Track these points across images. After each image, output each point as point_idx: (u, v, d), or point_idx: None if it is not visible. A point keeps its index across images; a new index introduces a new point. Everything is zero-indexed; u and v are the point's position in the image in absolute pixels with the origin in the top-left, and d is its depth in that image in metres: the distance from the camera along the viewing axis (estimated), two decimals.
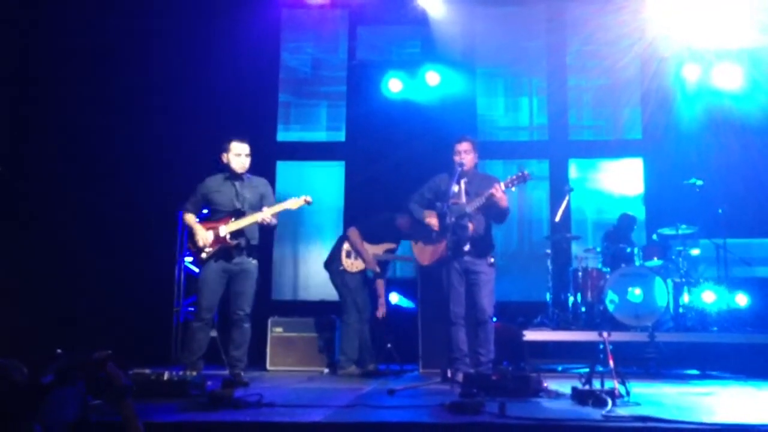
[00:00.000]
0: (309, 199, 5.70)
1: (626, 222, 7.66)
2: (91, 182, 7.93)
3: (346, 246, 6.80)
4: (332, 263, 6.85)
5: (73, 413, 2.84)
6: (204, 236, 5.58)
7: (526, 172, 5.53)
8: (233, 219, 5.59)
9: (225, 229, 5.57)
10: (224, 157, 5.71)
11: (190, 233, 5.73)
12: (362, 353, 6.67)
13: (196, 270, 6.44)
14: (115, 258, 7.71)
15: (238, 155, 5.67)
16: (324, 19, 9.27)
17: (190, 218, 5.73)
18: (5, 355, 2.69)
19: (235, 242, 5.58)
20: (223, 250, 5.60)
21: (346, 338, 6.68)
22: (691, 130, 8.27)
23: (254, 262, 5.73)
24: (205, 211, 5.92)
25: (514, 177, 5.52)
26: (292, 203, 5.67)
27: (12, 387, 2.45)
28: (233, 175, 5.70)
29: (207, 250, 5.58)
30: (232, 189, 5.68)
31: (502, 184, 5.51)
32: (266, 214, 5.56)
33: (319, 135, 9.36)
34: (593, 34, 8.45)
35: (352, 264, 6.74)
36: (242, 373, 5.67)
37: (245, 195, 5.68)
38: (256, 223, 5.59)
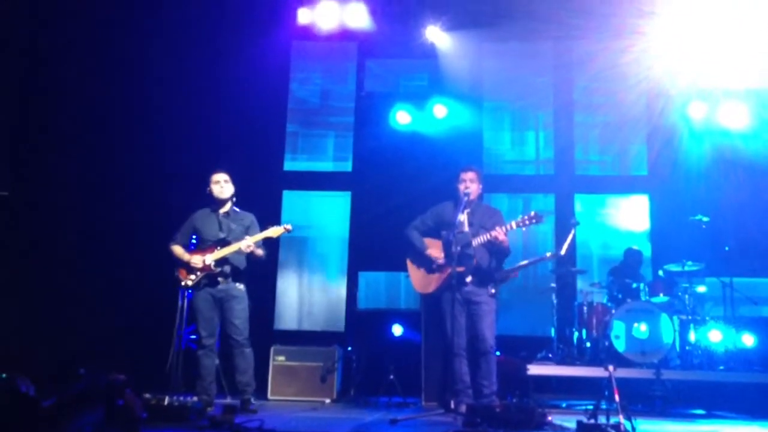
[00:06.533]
0: (289, 227, 5.91)
1: (633, 257, 7.63)
2: (97, 209, 7.96)
3: None
4: None
5: None
6: (195, 260, 5.80)
7: (540, 213, 5.53)
8: (218, 248, 5.82)
9: (210, 258, 5.79)
10: (209, 191, 6.00)
11: (179, 262, 5.91)
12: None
13: None
14: (118, 283, 7.71)
15: (217, 182, 5.96)
16: (333, 51, 9.38)
17: (177, 249, 5.98)
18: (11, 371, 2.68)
19: (218, 269, 5.80)
20: (208, 278, 5.82)
21: None
22: (698, 167, 8.28)
23: (241, 287, 5.91)
24: (194, 240, 6.13)
25: (527, 217, 5.51)
26: (273, 231, 5.87)
27: (21, 399, 2.42)
28: (219, 208, 5.97)
29: (192, 277, 5.80)
30: (216, 221, 5.95)
31: (513, 223, 5.52)
32: (248, 242, 5.76)
33: (326, 165, 9.40)
34: (600, 72, 8.49)
35: None
36: (251, 399, 5.77)
37: (230, 226, 5.92)
38: (239, 251, 5.78)
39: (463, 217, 5.60)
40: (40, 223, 7.83)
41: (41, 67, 8.10)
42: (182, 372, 7.27)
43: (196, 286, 5.82)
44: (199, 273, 5.80)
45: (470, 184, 5.68)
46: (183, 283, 5.86)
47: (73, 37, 8.05)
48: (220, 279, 5.81)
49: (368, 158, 8.96)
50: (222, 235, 5.86)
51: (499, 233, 5.45)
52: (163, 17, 8.24)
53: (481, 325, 5.55)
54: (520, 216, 5.57)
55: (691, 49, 7.98)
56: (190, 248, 6.03)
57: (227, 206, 5.99)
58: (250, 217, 6.07)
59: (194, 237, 6.10)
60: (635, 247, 7.78)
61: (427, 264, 5.84)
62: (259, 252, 5.87)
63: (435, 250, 5.78)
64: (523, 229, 5.55)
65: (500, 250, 5.66)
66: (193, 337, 7.29)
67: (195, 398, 5.23)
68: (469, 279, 5.57)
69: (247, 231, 5.93)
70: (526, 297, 8.54)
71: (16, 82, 7.93)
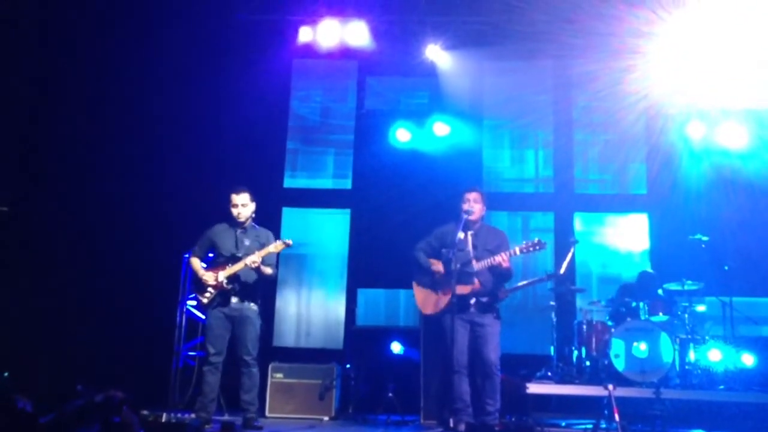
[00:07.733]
0: (289, 242, 5.91)
1: (647, 279, 7.56)
2: (97, 226, 7.97)
3: None
4: None
5: None
6: (207, 276, 5.84)
7: (543, 241, 5.56)
8: (230, 265, 5.84)
9: (222, 275, 5.82)
10: (230, 207, 6.01)
11: (195, 277, 5.98)
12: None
13: (200, 315, 6.60)
14: (118, 300, 7.71)
15: (235, 206, 5.98)
16: (334, 69, 9.42)
17: (195, 262, 6.03)
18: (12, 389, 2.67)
19: (229, 286, 5.82)
20: (221, 295, 5.85)
21: None
22: (697, 187, 8.30)
23: (254, 308, 5.92)
24: (210, 255, 6.14)
25: (530, 244, 5.55)
26: (275, 247, 5.87)
27: (18, 415, 2.41)
28: (236, 224, 5.99)
29: (206, 294, 5.83)
30: (233, 236, 5.97)
31: (517, 249, 5.55)
32: (254, 257, 5.76)
33: (326, 182, 9.42)
34: (600, 91, 8.51)
35: None
36: (256, 416, 5.79)
37: (245, 243, 5.93)
38: (246, 268, 5.78)
39: (462, 235, 5.60)
40: (40, 240, 7.84)
41: (46, 77, 8.16)
42: (180, 389, 7.25)
43: (210, 304, 5.85)
44: (212, 290, 5.83)
45: (474, 205, 5.70)
46: (199, 301, 5.93)
47: (76, 49, 8.11)
48: (232, 298, 5.84)
49: (368, 176, 8.98)
50: (235, 252, 5.89)
51: (503, 260, 5.49)
52: (165, 35, 8.29)
53: (487, 348, 5.53)
54: (524, 242, 5.60)
55: (690, 70, 8.02)
56: (206, 262, 6.06)
57: (246, 222, 6.02)
58: (266, 234, 6.08)
59: (211, 252, 6.12)
60: (650, 271, 7.76)
61: (432, 285, 5.83)
62: (268, 270, 5.88)
63: (438, 267, 5.79)
64: (526, 254, 5.59)
65: (503, 274, 5.69)
66: (192, 353, 7.30)
67: (193, 415, 5.22)
68: (473, 301, 5.58)
69: (262, 247, 5.92)
70: (526, 315, 8.53)
71: (21, 90, 7.98)
